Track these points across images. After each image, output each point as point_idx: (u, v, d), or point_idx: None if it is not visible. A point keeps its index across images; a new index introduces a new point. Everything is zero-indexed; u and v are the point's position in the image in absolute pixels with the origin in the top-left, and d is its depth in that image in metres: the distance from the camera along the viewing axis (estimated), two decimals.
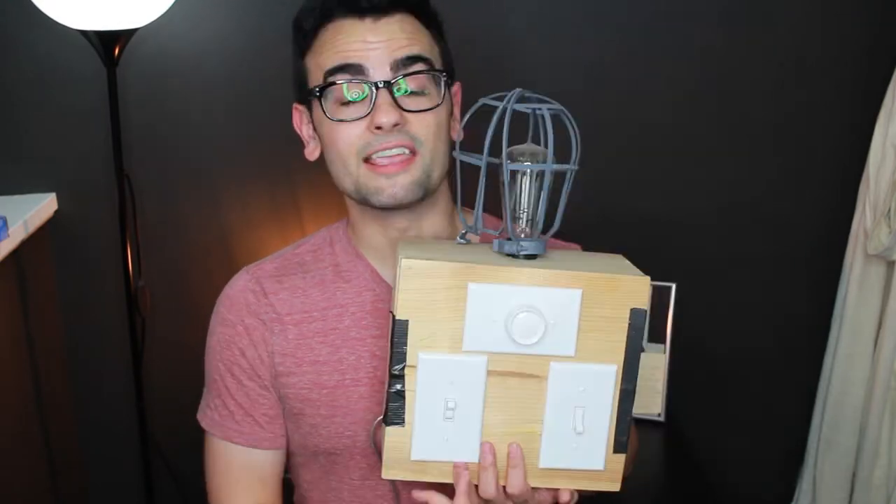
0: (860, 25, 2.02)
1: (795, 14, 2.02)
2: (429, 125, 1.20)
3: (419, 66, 1.20)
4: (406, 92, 1.20)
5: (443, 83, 1.23)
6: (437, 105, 1.21)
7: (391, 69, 1.19)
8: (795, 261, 2.16)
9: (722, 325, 2.20)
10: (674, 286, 2.08)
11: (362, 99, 1.20)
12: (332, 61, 1.20)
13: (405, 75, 1.19)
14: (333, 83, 1.20)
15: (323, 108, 1.22)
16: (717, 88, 2.06)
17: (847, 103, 2.07)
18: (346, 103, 1.20)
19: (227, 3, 1.98)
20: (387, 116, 1.17)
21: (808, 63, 2.04)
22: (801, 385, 2.21)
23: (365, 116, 1.19)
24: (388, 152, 1.19)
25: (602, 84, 2.06)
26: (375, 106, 1.18)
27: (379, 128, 1.17)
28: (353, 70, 1.19)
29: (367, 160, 1.20)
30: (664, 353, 2.08)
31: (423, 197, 1.22)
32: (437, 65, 1.23)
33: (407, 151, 1.19)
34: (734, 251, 2.16)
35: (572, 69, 2.05)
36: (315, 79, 1.23)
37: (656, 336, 2.09)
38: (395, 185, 1.19)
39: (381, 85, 1.18)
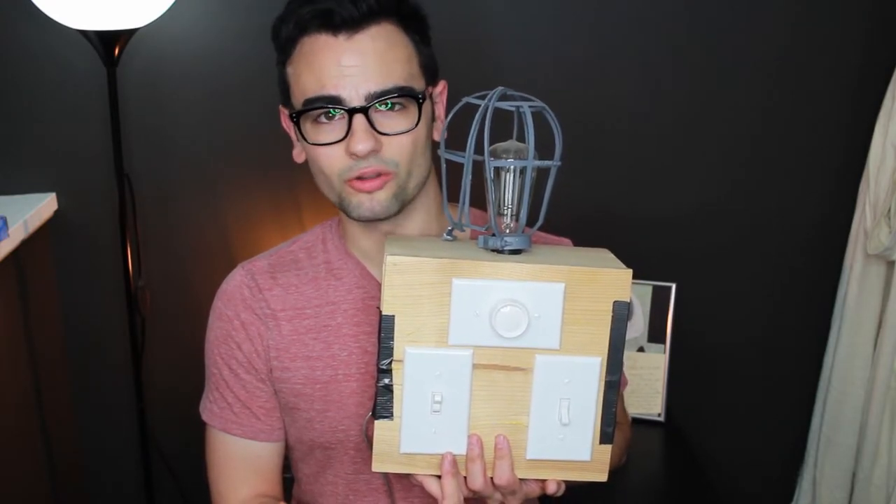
0: (860, 25, 2.02)
1: (795, 12, 2.01)
2: (404, 146, 1.21)
3: (394, 95, 1.20)
4: (383, 108, 1.20)
5: (419, 104, 1.22)
6: (414, 126, 1.21)
7: (366, 100, 1.18)
8: (795, 261, 2.16)
9: (722, 324, 2.20)
10: (674, 286, 2.07)
11: (340, 117, 1.20)
12: (309, 89, 1.20)
13: (380, 102, 1.19)
14: (309, 110, 1.21)
15: (302, 132, 1.23)
16: (717, 87, 2.06)
17: (847, 103, 2.06)
18: (324, 123, 1.21)
19: (228, 4, 1.98)
20: (362, 144, 1.18)
21: (808, 62, 2.04)
22: (801, 385, 2.21)
23: (342, 140, 1.20)
24: (366, 175, 1.21)
25: (604, 83, 2.06)
26: (351, 131, 1.18)
27: (355, 153, 1.18)
28: (331, 101, 1.19)
29: (347, 180, 1.22)
30: (664, 353, 2.08)
31: (400, 208, 1.24)
32: (416, 80, 1.23)
33: (381, 174, 1.21)
34: (734, 251, 2.16)
35: (572, 68, 2.05)
36: (295, 97, 1.23)
37: (656, 336, 2.08)
38: (372, 200, 1.22)
39: (357, 109, 1.18)
